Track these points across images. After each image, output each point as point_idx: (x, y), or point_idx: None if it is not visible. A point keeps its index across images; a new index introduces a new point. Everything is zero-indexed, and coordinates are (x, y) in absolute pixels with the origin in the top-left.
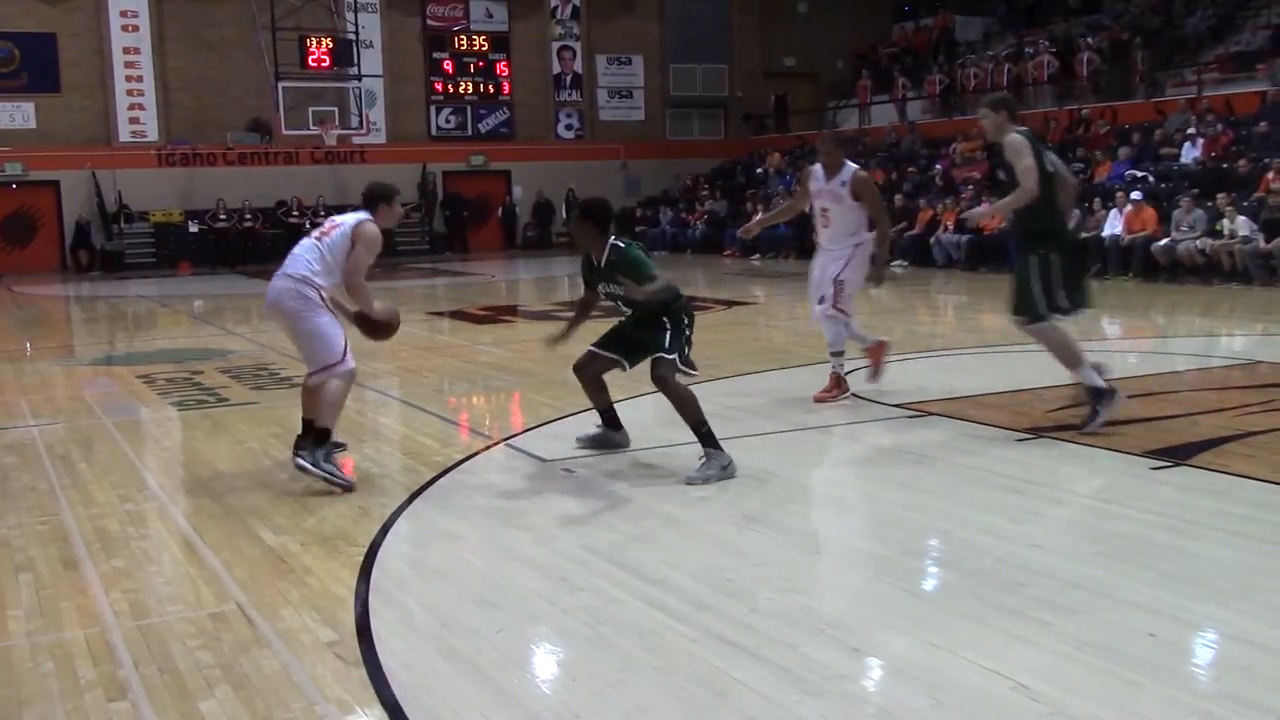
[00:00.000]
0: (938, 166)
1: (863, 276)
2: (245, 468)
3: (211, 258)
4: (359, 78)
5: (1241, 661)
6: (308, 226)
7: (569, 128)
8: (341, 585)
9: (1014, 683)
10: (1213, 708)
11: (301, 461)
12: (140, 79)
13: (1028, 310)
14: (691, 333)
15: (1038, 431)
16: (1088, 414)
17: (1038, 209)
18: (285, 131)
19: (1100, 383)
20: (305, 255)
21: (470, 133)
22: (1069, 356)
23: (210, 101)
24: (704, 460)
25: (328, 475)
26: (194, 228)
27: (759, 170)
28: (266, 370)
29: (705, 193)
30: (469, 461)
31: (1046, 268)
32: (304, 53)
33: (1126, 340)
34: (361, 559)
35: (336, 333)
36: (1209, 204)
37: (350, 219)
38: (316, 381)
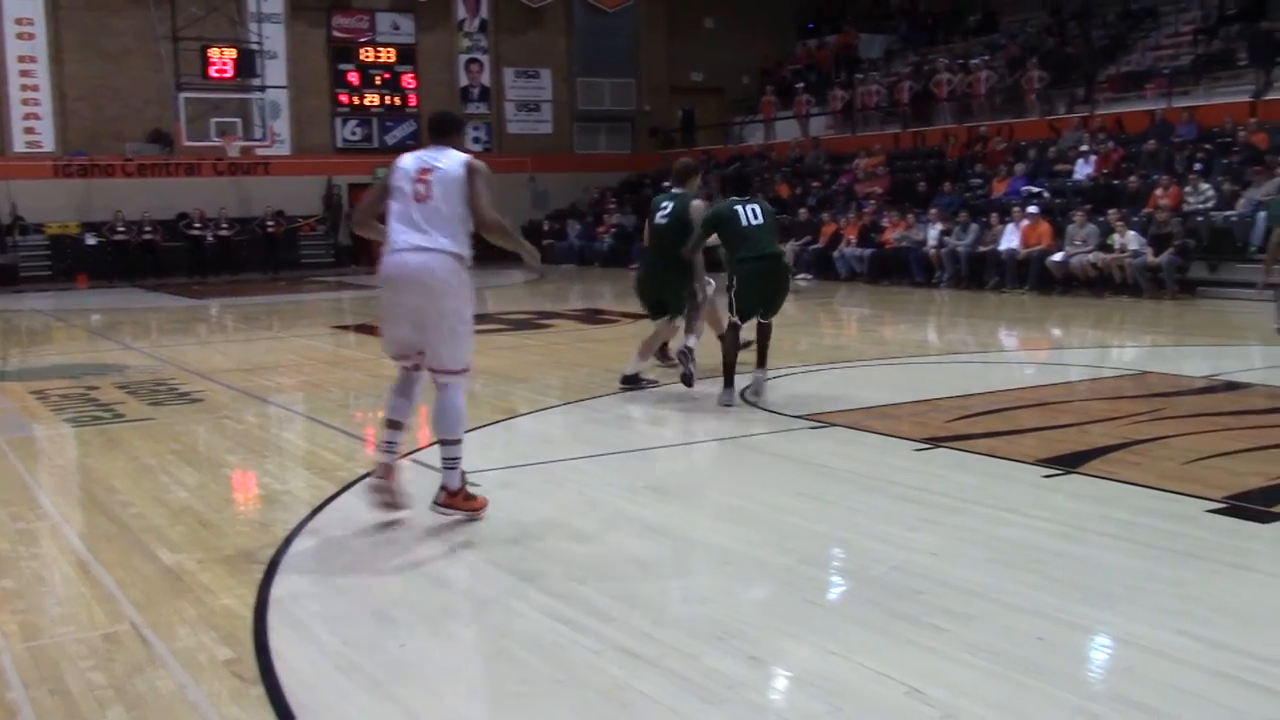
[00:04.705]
0: (841, 181)
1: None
2: (142, 485)
3: (110, 270)
4: (263, 89)
5: (1125, 663)
6: (210, 239)
7: (477, 140)
8: (240, 603)
9: (908, 687)
10: (1098, 708)
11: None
12: (36, 88)
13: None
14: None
15: (935, 441)
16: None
17: None
18: (186, 142)
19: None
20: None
21: (377, 145)
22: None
23: (109, 112)
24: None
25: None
26: (91, 240)
27: (666, 184)
28: (165, 385)
29: (613, 206)
30: (373, 476)
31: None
32: (206, 63)
33: (1023, 351)
34: (261, 576)
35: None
36: (1101, 219)
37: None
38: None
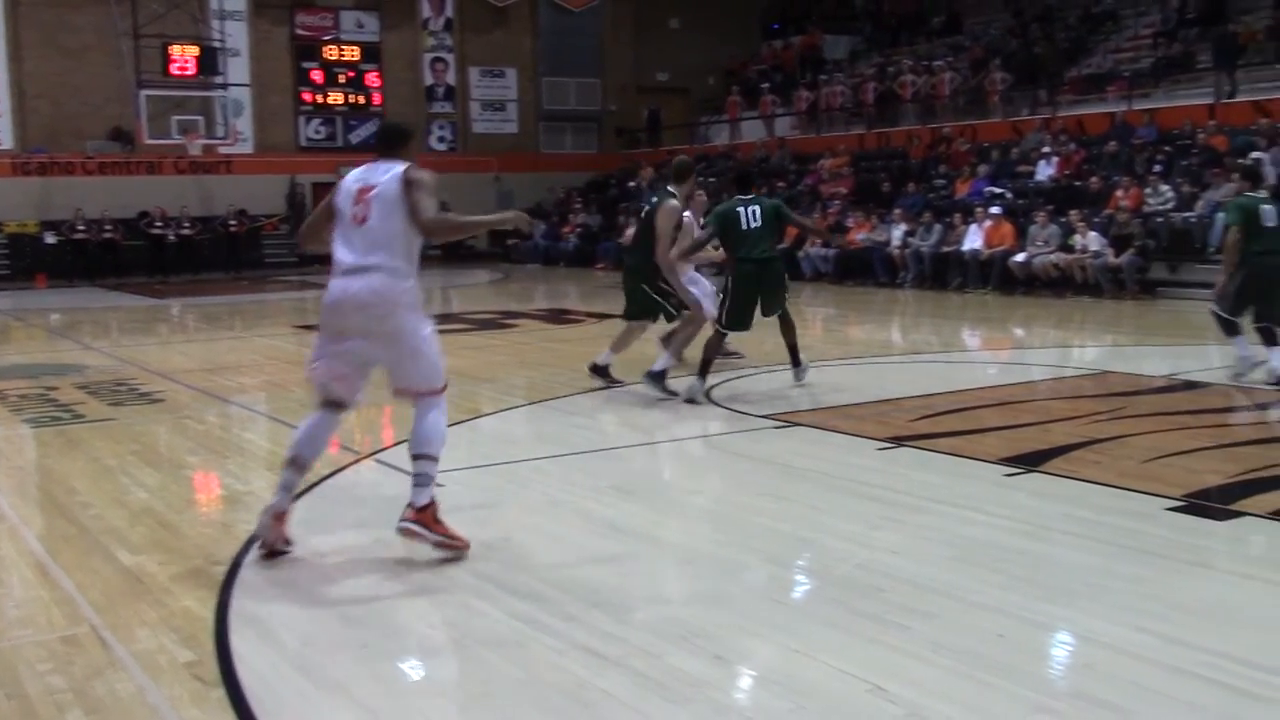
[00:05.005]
0: (806, 182)
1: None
2: (102, 486)
3: (70, 270)
4: (225, 86)
5: (1085, 660)
6: (171, 238)
7: (442, 140)
8: (201, 605)
9: (871, 685)
10: (1059, 705)
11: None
12: None
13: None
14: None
15: (899, 441)
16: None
17: None
18: (148, 140)
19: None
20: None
21: (340, 143)
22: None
23: (69, 109)
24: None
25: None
26: (51, 239)
27: (632, 184)
28: (125, 385)
29: (578, 206)
30: (336, 476)
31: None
32: (167, 60)
33: (986, 351)
34: (223, 578)
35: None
36: (1062, 220)
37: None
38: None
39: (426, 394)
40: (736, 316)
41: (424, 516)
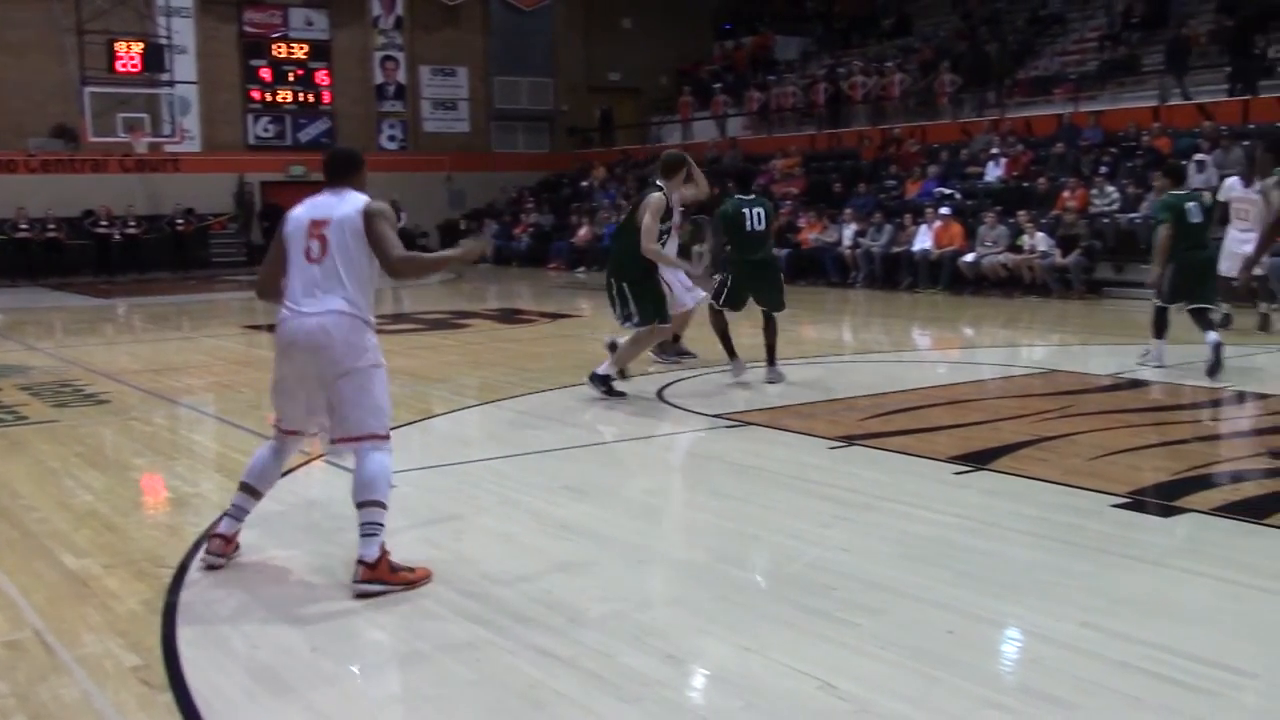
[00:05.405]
0: (758, 182)
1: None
2: (45, 489)
3: (12, 269)
4: (171, 84)
5: (1032, 655)
6: (117, 237)
7: (392, 139)
8: (148, 608)
9: (822, 682)
10: (1006, 699)
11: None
12: None
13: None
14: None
15: (850, 439)
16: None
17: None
18: (92, 138)
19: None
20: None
21: (290, 142)
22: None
23: (11, 106)
24: None
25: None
26: None
27: (584, 184)
28: (70, 387)
29: (531, 206)
30: (285, 478)
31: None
32: (112, 57)
33: (936, 351)
34: (170, 580)
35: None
36: (1011, 220)
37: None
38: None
39: (370, 438)
40: (732, 300)
41: (379, 573)
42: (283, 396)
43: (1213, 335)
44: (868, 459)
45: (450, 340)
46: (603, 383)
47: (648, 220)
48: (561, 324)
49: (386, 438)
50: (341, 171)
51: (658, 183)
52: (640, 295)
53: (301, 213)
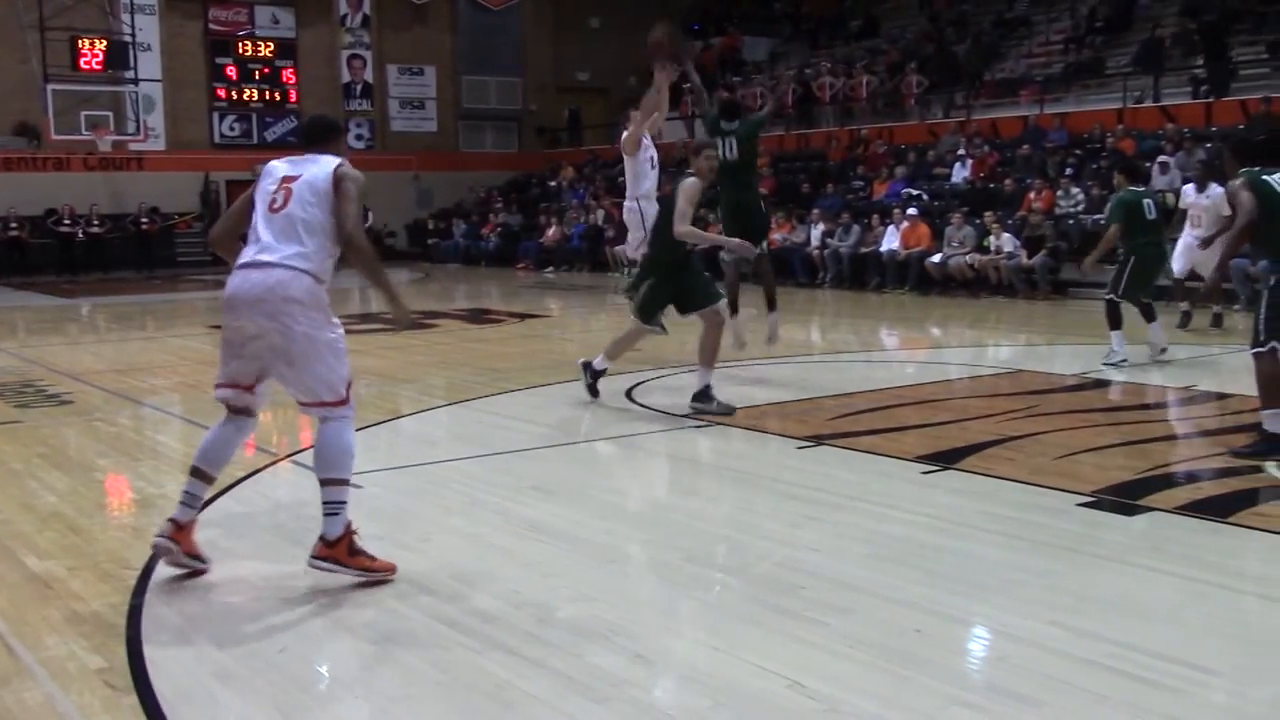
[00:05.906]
0: None
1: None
2: (8, 490)
3: None
4: (135, 81)
5: (999, 653)
6: (81, 236)
7: (359, 138)
8: (112, 610)
9: (790, 681)
10: (974, 698)
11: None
12: None
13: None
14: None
15: (819, 439)
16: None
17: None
18: (55, 136)
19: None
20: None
21: (256, 141)
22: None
23: None
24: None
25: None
26: None
27: (552, 183)
28: (32, 387)
29: (499, 205)
30: (252, 478)
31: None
32: (75, 54)
33: (904, 351)
34: (135, 582)
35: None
36: (977, 221)
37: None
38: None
39: (326, 404)
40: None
41: (337, 552)
42: (226, 355)
43: (1156, 324)
44: (837, 458)
45: (418, 340)
46: (592, 375)
47: (681, 204)
48: (530, 324)
49: (343, 403)
50: (319, 138)
51: (688, 171)
52: (650, 289)
53: (277, 165)
